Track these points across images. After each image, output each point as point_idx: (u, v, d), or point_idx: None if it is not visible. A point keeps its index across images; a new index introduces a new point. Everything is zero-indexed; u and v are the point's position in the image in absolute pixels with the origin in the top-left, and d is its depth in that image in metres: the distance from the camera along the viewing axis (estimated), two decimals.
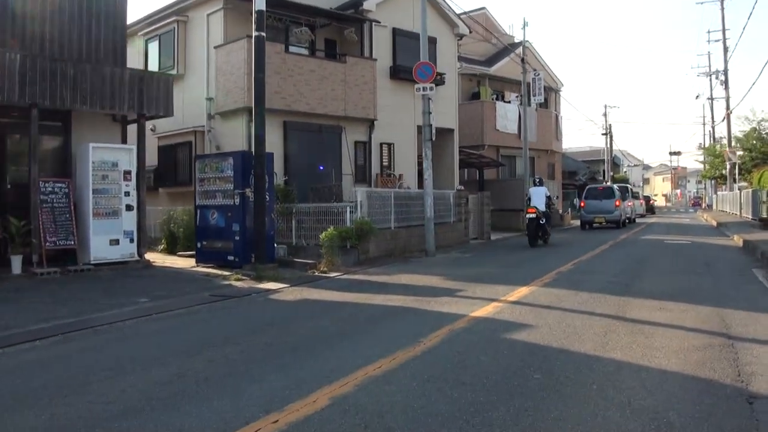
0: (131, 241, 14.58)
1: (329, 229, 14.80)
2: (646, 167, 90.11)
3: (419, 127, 23.60)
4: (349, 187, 20.48)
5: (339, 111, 20.99)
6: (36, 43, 14.15)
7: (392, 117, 22.99)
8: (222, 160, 15.06)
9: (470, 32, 27.31)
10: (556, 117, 35.88)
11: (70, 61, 13.74)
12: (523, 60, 29.28)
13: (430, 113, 17.42)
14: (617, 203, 29.26)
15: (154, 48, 23.18)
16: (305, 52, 21.21)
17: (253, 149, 19.02)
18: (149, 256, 16.56)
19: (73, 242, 13.89)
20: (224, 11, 20.18)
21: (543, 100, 30.69)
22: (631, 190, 38.24)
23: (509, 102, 31.66)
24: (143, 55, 23.71)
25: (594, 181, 47.69)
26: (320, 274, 13.61)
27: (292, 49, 20.90)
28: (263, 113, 14.42)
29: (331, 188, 17.81)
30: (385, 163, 23.12)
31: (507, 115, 30.94)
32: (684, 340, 6.65)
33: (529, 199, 20.72)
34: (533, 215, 19.87)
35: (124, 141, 15.64)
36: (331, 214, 16.22)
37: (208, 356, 6.44)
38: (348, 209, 15.89)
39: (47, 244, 13.47)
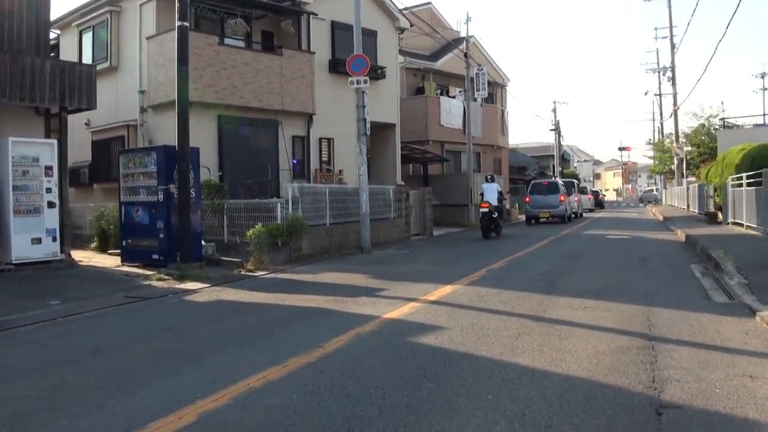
0: (54, 239, 13.90)
1: (257, 227, 14.33)
2: (597, 162, 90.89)
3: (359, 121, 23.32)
4: (286, 182, 20.03)
5: (276, 105, 20.50)
6: None
7: (332, 111, 22.55)
8: (145, 154, 14.48)
9: (411, 26, 26.99)
10: (502, 112, 35.77)
11: None
12: (466, 55, 29.05)
13: (364, 107, 17.04)
14: (562, 198, 29.24)
15: (88, 39, 22.38)
16: (241, 44, 20.62)
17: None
18: (82, 254, 15.99)
19: None
20: (156, 2, 19.55)
21: (487, 96, 30.50)
22: (578, 185, 38.33)
23: (454, 97, 31.41)
24: (77, 47, 22.90)
25: (543, 176, 47.76)
26: (246, 273, 13.16)
27: (227, 41, 20.31)
28: (187, 106, 13.91)
29: (263, 184, 17.30)
30: (325, 159, 22.69)
31: (451, 110, 30.71)
32: (600, 343, 6.36)
33: (482, 194, 21.91)
34: (486, 209, 21.19)
35: (48, 135, 14.92)
36: (263, 211, 15.72)
37: (89, 366, 5.97)
38: (279, 205, 15.42)
39: None
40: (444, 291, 9.81)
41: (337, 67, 22.74)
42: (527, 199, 29.57)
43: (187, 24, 13.79)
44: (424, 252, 17.14)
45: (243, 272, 13.30)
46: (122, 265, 14.46)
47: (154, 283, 11.98)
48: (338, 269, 13.24)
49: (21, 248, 13.41)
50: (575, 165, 61.86)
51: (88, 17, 21.89)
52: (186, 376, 5.52)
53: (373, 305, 8.77)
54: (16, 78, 13.29)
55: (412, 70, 31.29)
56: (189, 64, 18.26)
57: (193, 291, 10.95)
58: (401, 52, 30.37)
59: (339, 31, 23.09)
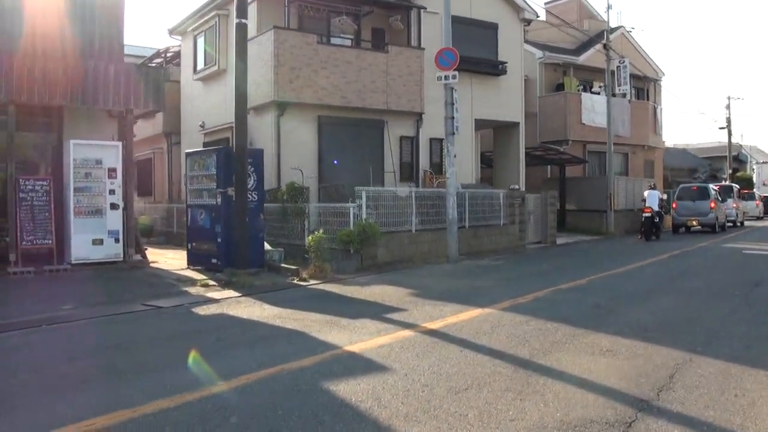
0: (116, 240, 13.77)
1: (316, 233, 13.37)
2: None
3: (477, 121, 21.88)
4: (391, 185, 19.01)
5: (380, 104, 19.50)
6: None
7: (444, 110, 21.15)
8: (207, 156, 13.98)
9: (537, 17, 25.01)
10: (654, 109, 32.53)
11: (52, 56, 13.08)
12: (605, 46, 26.58)
13: (453, 104, 15.63)
14: (712, 205, 26.02)
15: (201, 44, 22.57)
16: (346, 42, 19.79)
17: (278, 145, 18.31)
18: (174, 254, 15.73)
19: (50, 241, 13.24)
20: (257, 3, 19.16)
21: (629, 90, 27.74)
22: (738, 190, 34.23)
23: (598, 93, 28.91)
24: (192, 52, 23.20)
25: (714, 179, 43.58)
26: (297, 282, 12.23)
27: (331, 40, 19.59)
28: (243, 102, 13.15)
29: (337, 188, 16.32)
30: (436, 160, 21.38)
31: (594, 107, 28.30)
32: (572, 409, 4.76)
33: (644, 200, 24.07)
34: (648, 214, 23.19)
35: (122, 138, 14.80)
36: (339, 216, 14.79)
37: None
38: (351, 210, 14.38)
39: (23, 243, 12.92)
40: (463, 316, 8.31)
41: None
42: (674, 206, 26.61)
43: (245, 21, 13.03)
44: (518, 265, 15.43)
45: (296, 281, 12.39)
46: (187, 268, 14.06)
47: (194, 289, 11.39)
48: (395, 282, 11.97)
49: (81, 249, 13.39)
50: (753, 167, 55.99)
51: (200, 21, 22.06)
52: (17, 417, 4.61)
53: (357, 331, 7.49)
54: (79, 82, 13.20)
55: (551, 65, 29.20)
56: (285, 65, 17.95)
57: (215, 301, 10.17)
58: (540, 46, 28.53)
59: (454, 24, 21.62)
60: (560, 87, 28.88)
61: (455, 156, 15.99)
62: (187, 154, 14.85)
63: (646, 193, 24.48)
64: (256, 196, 13.59)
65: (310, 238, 13.21)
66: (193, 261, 14.19)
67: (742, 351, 6.52)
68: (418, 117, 20.54)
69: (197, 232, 14.08)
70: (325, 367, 5.94)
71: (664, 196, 27.42)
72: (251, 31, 19.15)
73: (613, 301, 9.53)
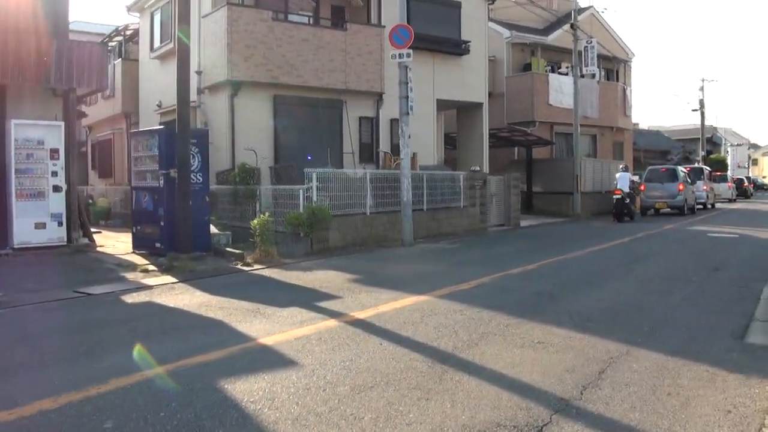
0: (59, 224, 13.24)
1: (262, 216, 12.90)
2: (755, 147, 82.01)
3: (439, 102, 21.47)
4: (351, 167, 18.57)
5: (338, 84, 19.03)
6: None
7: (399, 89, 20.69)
8: (151, 136, 13.43)
9: None
10: (624, 90, 32.18)
11: None
12: (572, 25, 26.15)
13: (407, 84, 15.17)
14: (680, 187, 25.80)
15: (157, 20, 21.91)
16: (300, 19, 19.24)
17: (232, 126, 17.80)
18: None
19: None
20: None
21: (596, 71, 27.38)
22: (709, 172, 34.08)
23: (566, 74, 28.54)
24: (149, 30, 22.56)
25: (687, 161, 43.53)
26: (241, 267, 11.81)
27: (290, 17, 19.06)
28: (186, 77, 12.65)
29: (287, 169, 15.85)
30: (397, 141, 20.89)
31: (562, 88, 27.97)
32: (481, 411, 4.38)
33: (616, 182, 24.10)
34: (618, 196, 23.40)
35: (66, 118, 14.20)
36: (288, 198, 14.34)
37: None
38: (301, 192, 13.93)
39: None
40: (396, 305, 7.92)
41: (413, 42, 20.81)
42: (642, 187, 26.36)
43: None
44: (472, 249, 15.04)
45: (239, 266, 11.97)
46: (132, 252, 13.56)
47: (132, 275, 10.92)
48: (341, 267, 11.55)
49: (23, 233, 12.85)
50: (727, 149, 55.97)
51: None
52: None
53: (279, 321, 7.08)
54: (21, 59, 12.62)
55: (519, 45, 28.78)
56: (239, 42, 17.40)
57: (148, 288, 9.69)
58: (507, 25, 28.12)
59: (415, 2, 21.14)
60: (528, 67, 28.50)
61: (410, 137, 15.51)
62: (132, 134, 14.36)
63: (617, 175, 24.52)
64: (200, 178, 13.11)
65: (255, 221, 12.73)
66: (138, 245, 13.69)
67: (686, 342, 6.18)
68: (378, 97, 20.10)
69: (142, 215, 13.58)
70: (230, 362, 5.54)
71: (636, 178, 27.25)
72: (206, 7, 18.63)
73: (560, 288, 9.19)
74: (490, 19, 28.28)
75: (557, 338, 6.29)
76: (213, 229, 13.97)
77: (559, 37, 28.79)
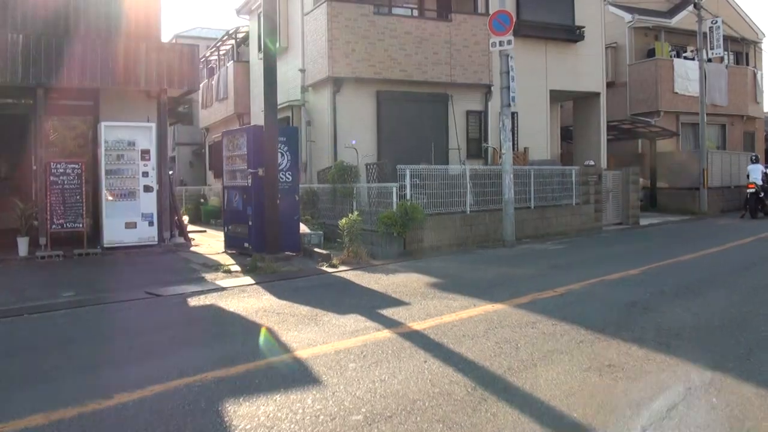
0: (150, 224, 13.40)
1: (351, 215, 12.44)
2: None
3: (552, 92, 20.43)
4: (456, 163, 17.91)
5: (443, 77, 18.37)
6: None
7: (517, 81, 19.73)
8: (240, 135, 13.31)
9: None
10: (754, 74, 29.49)
11: (84, 36, 12.79)
12: (695, 4, 24.20)
13: (508, 73, 14.30)
14: None
15: (263, 20, 21.94)
16: (402, 12, 18.69)
17: (334, 123, 17.51)
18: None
19: (81, 225, 13.02)
20: None
21: (721, 54, 25.15)
22: None
23: (693, 59, 26.49)
24: (257, 31, 22.71)
25: None
26: (326, 269, 11.41)
27: (394, 10, 18.58)
28: (274, 83, 12.43)
29: (381, 166, 15.31)
30: None
31: (688, 74, 25.97)
32: None
33: (748, 175, 22.34)
34: (753, 190, 21.74)
35: (160, 118, 14.36)
36: (383, 196, 13.86)
37: None
38: (394, 190, 13.40)
39: (53, 226, 12.76)
40: (464, 314, 7.22)
41: (523, 29, 19.88)
42: None
43: None
44: (579, 250, 13.96)
45: (325, 267, 11.58)
46: (223, 252, 13.52)
47: (212, 275, 10.76)
48: (427, 269, 10.90)
49: (113, 233, 13.11)
50: None
51: None
52: None
53: (329, 331, 6.53)
54: (112, 62, 12.82)
55: (641, 29, 26.93)
56: (340, 38, 17.09)
57: (221, 289, 9.43)
58: (628, 9, 26.49)
59: None
60: (651, 53, 26.65)
61: (512, 130, 14.65)
62: (224, 134, 14.24)
63: (749, 167, 22.72)
64: (289, 177, 12.84)
65: (343, 221, 12.31)
66: (229, 245, 13.62)
67: None
68: (486, 89, 19.26)
69: (232, 215, 13.48)
70: (250, 377, 5.06)
71: None
72: (309, 4, 18.43)
73: (657, 297, 8.15)
74: (610, 3, 26.78)
75: (632, 360, 5.42)
76: (305, 228, 13.68)
77: (684, 18, 26.70)
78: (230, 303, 8.38)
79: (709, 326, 6.59)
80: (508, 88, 14.18)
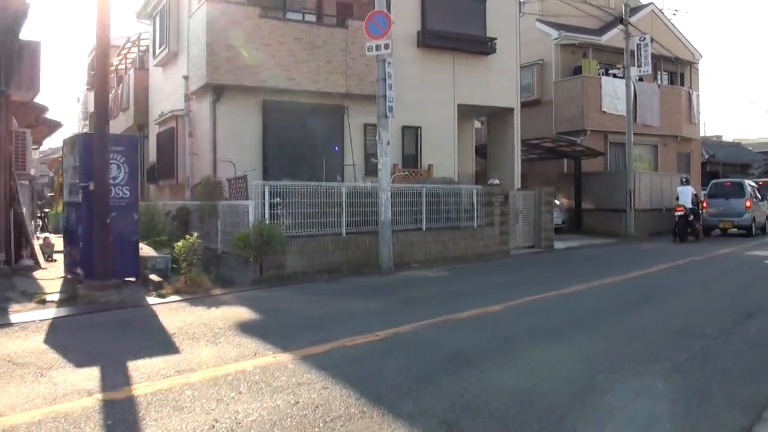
0: None
1: (189, 238, 10.84)
2: None
3: (460, 107, 19.13)
4: (352, 180, 16.44)
5: (338, 87, 16.92)
6: None
7: (420, 94, 18.48)
8: (73, 144, 11.64)
9: None
10: (689, 95, 28.65)
11: None
12: (622, 20, 23.20)
13: (385, 80, 12.88)
14: (747, 203, 22.44)
15: (157, 25, 20.43)
16: (293, 17, 17.20)
17: (214, 135, 15.94)
18: None
19: None
20: None
21: (650, 71, 24.18)
22: None
23: (621, 77, 25.48)
24: (152, 35, 21.17)
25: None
26: (155, 299, 9.83)
27: (288, 15, 17.10)
28: (106, 81, 10.85)
29: (238, 181, 13.76)
30: (410, 152, 18.65)
31: (617, 92, 24.98)
32: None
33: (677, 198, 21.52)
34: (681, 213, 20.86)
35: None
36: (238, 215, 12.31)
37: None
38: (250, 209, 11.85)
39: None
40: (229, 368, 5.69)
41: (428, 39, 18.62)
42: (704, 204, 23.02)
43: None
44: (462, 277, 12.56)
45: (153, 297, 10.00)
46: (64, 276, 11.80)
47: (20, 306, 9.19)
48: (261, 303, 9.43)
49: None
50: None
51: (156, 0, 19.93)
52: None
53: (29, 392, 4.98)
54: None
55: (568, 46, 25.95)
56: (220, 42, 15.56)
57: (7, 325, 7.80)
58: (556, 26, 25.49)
59: None
60: (578, 71, 25.67)
61: (389, 143, 13.26)
62: (63, 142, 12.58)
63: (678, 189, 21.93)
64: (127, 192, 11.18)
65: (180, 243, 10.73)
66: (68, 269, 11.94)
67: None
68: None
69: (70, 235, 11.85)
70: None
71: (701, 193, 24.11)
72: (194, 5, 16.93)
73: (499, 344, 6.70)
74: (537, 19, 25.79)
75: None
76: (150, 251, 12.07)
77: (614, 36, 25.74)
78: None
79: (532, 397, 5.06)
80: (385, 96, 12.78)
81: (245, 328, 7.50)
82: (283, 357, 6.05)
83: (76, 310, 9.02)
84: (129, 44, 24.95)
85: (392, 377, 5.44)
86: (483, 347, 6.53)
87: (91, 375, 5.51)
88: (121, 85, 25.98)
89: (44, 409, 4.63)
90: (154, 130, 20.92)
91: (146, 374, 5.52)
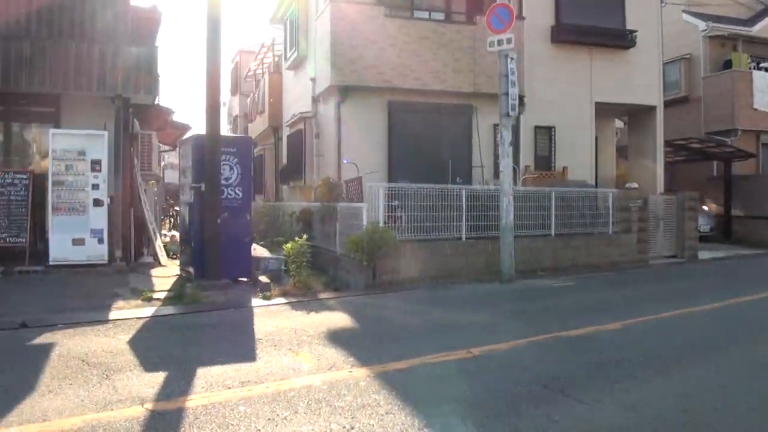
0: (100, 241, 12.02)
1: (297, 239, 10.59)
2: None
3: (598, 105, 18.08)
4: (480, 183, 15.81)
5: (466, 86, 16.33)
6: None
7: (554, 92, 17.51)
8: (188, 146, 11.74)
9: None
10: None
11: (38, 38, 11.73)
12: None
13: (507, 77, 12.13)
14: None
15: (289, 29, 20.63)
16: (418, 15, 16.72)
17: (339, 136, 15.76)
18: None
19: (24, 240, 11.77)
20: None
21: None
22: None
23: None
24: (284, 39, 21.42)
25: None
26: (259, 301, 9.68)
27: (416, 14, 16.70)
28: (218, 81, 10.81)
29: (355, 182, 13.37)
30: (543, 153, 17.74)
31: None
32: None
33: None
34: None
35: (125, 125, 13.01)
36: (353, 218, 11.98)
37: None
38: (364, 211, 11.49)
39: None
40: (294, 383, 5.28)
41: (563, 34, 17.65)
42: None
43: None
44: (590, 290, 11.60)
45: (259, 298, 9.86)
46: (179, 275, 12.00)
47: (123, 303, 9.28)
48: (360, 309, 9.01)
49: (60, 249, 11.82)
50: None
51: (287, 3, 20.09)
52: None
53: (88, 396, 4.76)
54: (59, 65, 11.62)
55: (717, 38, 23.85)
56: (344, 43, 15.39)
57: (105, 322, 7.91)
58: (703, 17, 23.65)
59: None
60: (728, 65, 23.64)
61: (511, 144, 12.48)
62: (179, 143, 12.74)
63: None
64: (239, 193, 11.16)
65: (289, 245, 10.50)
66: (182, 267, 12.17)
67: None
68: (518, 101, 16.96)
69: (185, 234, 12.04)
70: None
71: None
72: (321, 5, 16.86)
73: (602, 371, 5.90)
74: (683, 10, 24.01)
75: None
76: (264, 252, 11.96)
77: (765, 27, 23.54)
78: (75, 342, 6.71)
79: None
80: (507, 94, 12.04)
81: (334, 336, 7.09)
82: (360, 372, 5.56)
83: (177, 310, 8.99)
84: (264, 49, 25.43)
85: (469, 403, 4.81)
86: (583, 373, 5.75)
87: (154, 381, 5.27)
88: (257, 89, 26.55)
89: (89, 415, 4.40)
90: (285, 132, 21.09)
91: (209, 384, 5.20)
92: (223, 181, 10.91)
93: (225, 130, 44.00)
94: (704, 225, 20.46)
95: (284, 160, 21.06)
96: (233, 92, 35.45)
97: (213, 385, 5.19)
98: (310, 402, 4.76)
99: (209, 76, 10.67)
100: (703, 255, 17.35)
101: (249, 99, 29.03)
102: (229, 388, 5.13)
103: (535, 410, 4.70)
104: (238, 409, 4.62)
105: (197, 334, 7.46)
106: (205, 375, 5.45)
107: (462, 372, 5.68)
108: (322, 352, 6.33)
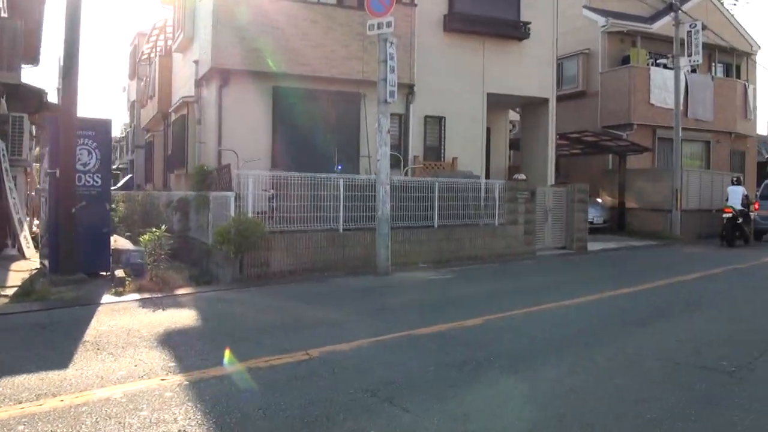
0: None
1: (153, 231, 9.94)
2: None
3: (490, 96, 17.88)
4: (367, 174, 15.36)
5: (355, 74, 15.83)
6: None
7: (445, 82, 17.29)
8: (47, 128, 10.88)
9: None
10: (745, 89, 26.50)
11: None
12: (671, 6, 21.50)
13: (386, 62, 11.76)
14: None
15: (177, 9, 19.66)
16: None
17: (219, 122, 15.07)
18: None
19: None
20: None
21: (699, 62, 22.18)
22: None
23: (670, 68, 23.68)
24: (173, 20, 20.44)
25: None
26: (109, 297, 9.01)
27: None
28: (76, 59, 9.99)
29: (223, 171, 12.81)
30: (432, 143, 17.47)
31: (666, 84, 23.23)
32: None
33: (726, 198, 20.16)
34: (729, 215, 19.34)
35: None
36: (222, 207, 11.37)
37: None
38: (231, 201, 10.90)
39: None
40: (91, 395, 4.70)
41: (456, 23, 17.42)
42: (756, 206, 21.10)
43: None
44: (468, 282, 11.41)
45: (110, 294, 9.16)
46: (36, 269, 11.15)
47: None
48: (213, 305, 8.44)
49: None
50: None
51: None
52: None
53: None
54: None
55: (616, 34, 24.26)
56: (227, 24, 14.68)
57: None
58: (603, 12, 23.92)
59: None
60: (627, 61, 24.01)
61: (389, 132, 12.15)
62: (40, 126, 11.82)
63: (728, 189, 20.37)
64: (98, 180, 10.43)
65: (146, 236, 9.84)
66: (41, 260, 11.30)
67: None
68: (408, 90, 16.64)
69: (43, 224, 11.11)
70: None
71: (754, 194, 22.26)
72: None
73: (443, 373, 5.54)
74: (584, 6, 24.26)
75: None
76: (127, 244, 11.23)
77: (665, 25, 23.90)
78: None
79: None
80: (386, 80, 11.66)
81: (167, 338, 6.52)
82: (173, 380, 5.04)
83: (16, 309, 8.23)
84: (156, 31, 24.32)
85: (279, 417, 4.34)
86: (422, 377, 5.37)
87: None
88: (149, 73, 25.43)
89: None
90: (172, 118, 20.22)
91: (1, 397, 4.57)
92: (80, 167, 10.18)
93: (124, 115, 42.45)
94: (598, 217, 20.79)
95: (170, 148, 20.19)
96: (131, 77, 34.00)
97: (5, 399, 4.57)
98: (98, 419, 4.20)
99: (66, 44, 9.86)
100: (594, 246, 17.50)
101: (142, 83, 27.82)
102: (20, 402, 4.52)
103: (354, 422, 4.26)
104: (17, 429, 4.02)
105: (23, 336, 6.78)
106: (2, 387, 4.81)
107: (290, 377, 5.21)
108: (145, 356, 5.76)
